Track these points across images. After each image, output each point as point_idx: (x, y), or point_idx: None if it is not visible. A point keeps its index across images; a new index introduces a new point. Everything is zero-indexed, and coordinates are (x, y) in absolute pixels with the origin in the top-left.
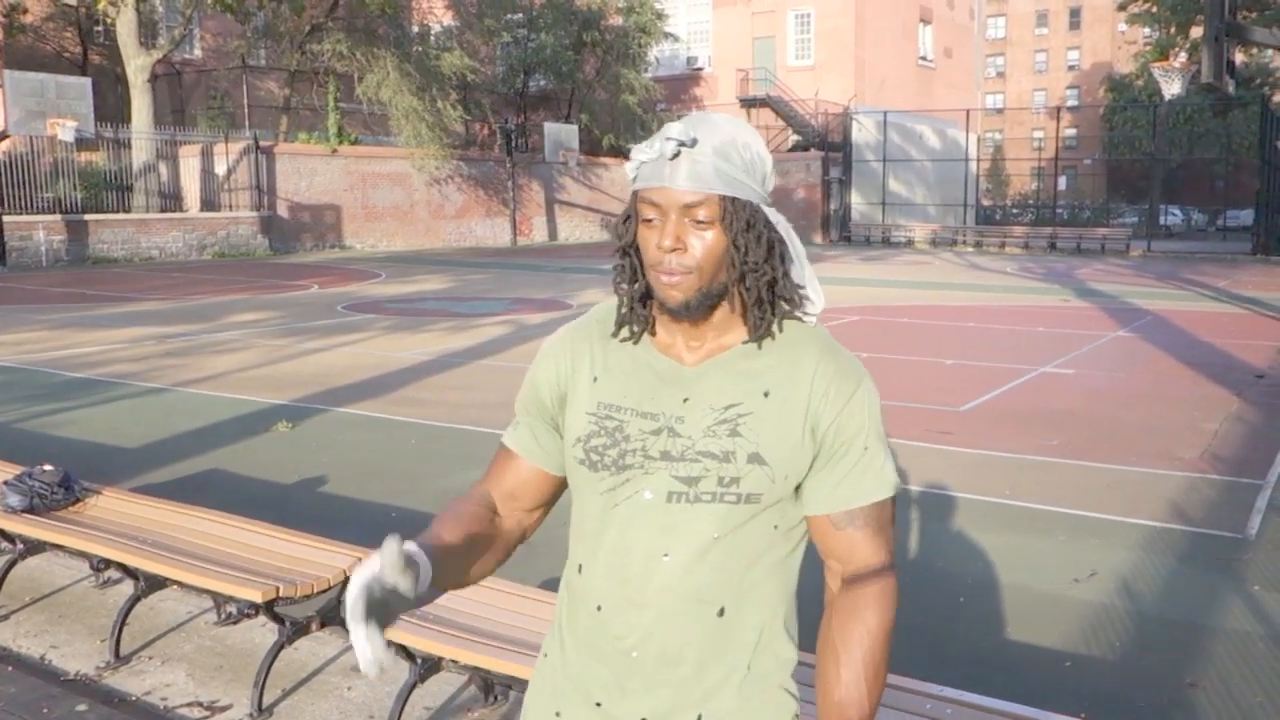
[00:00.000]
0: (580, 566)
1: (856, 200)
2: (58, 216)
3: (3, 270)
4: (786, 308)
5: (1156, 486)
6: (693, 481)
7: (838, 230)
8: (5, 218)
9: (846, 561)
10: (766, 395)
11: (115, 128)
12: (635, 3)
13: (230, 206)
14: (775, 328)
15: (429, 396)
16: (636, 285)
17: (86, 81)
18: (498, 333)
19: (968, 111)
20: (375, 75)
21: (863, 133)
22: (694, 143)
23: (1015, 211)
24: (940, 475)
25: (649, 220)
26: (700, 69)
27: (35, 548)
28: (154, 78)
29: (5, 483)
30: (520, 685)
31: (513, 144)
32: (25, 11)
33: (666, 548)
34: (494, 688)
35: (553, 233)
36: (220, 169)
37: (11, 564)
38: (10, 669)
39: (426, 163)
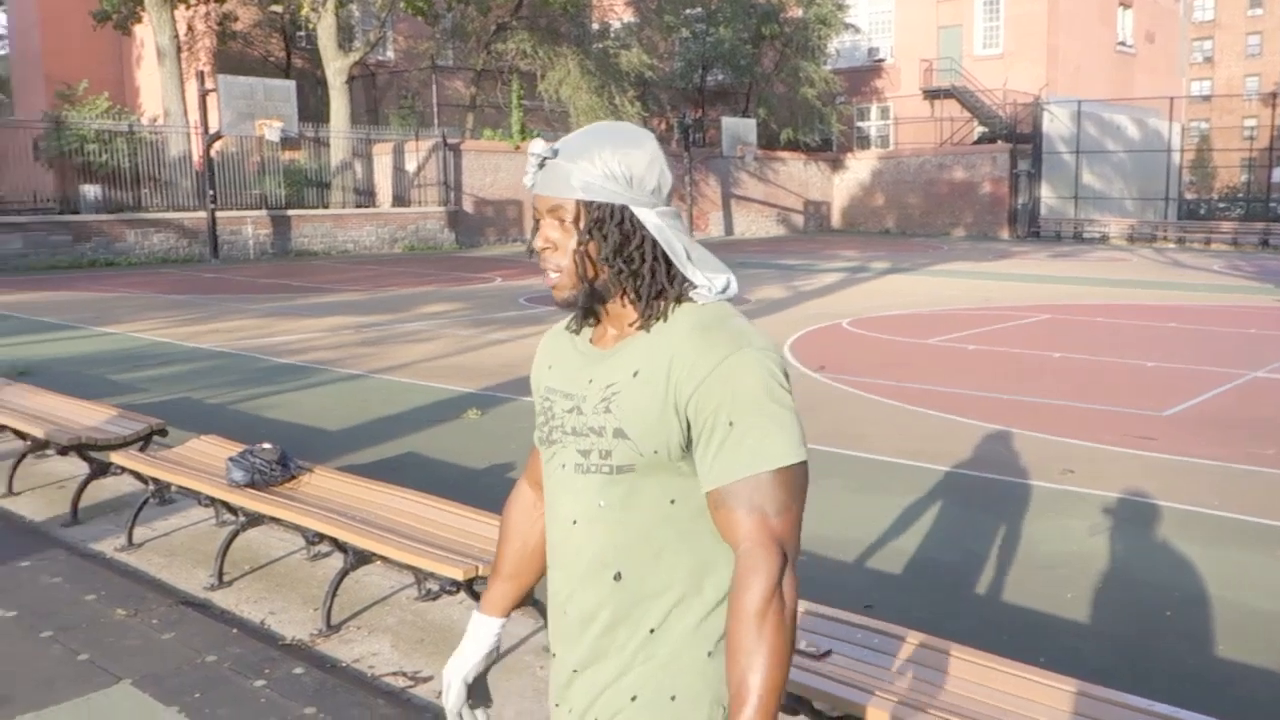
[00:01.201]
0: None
1: (1046, 194)
2: (263, 212)
3: (215, 262)
4: (668, 295)
5: None
6: (586, 454)
7: (1025, 226)
8: (218, 213)
9: (734, 543)
10: (635, 375)
11: (315, 128)
12: None
13: (419, 202)
14: (668, 312)
15: None
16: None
17: (290, 84)
18: None
19: (1171, 99)
20: (557, 73)
21: (1054, 123)
22: (554, 154)
23: (1223, 206)
24: (1141, 482)
25: (535, 223)
26: (881, 60)
27: (255, 520)
28: (351, 79)
29: (230, 459)
30: None
31: (690, 139)
32: (236, 20)
33: (574, 514)
34: None
35: (729, 227)
36: (410, 166)
37: (234, 535)
38: (235, 631)
39: None
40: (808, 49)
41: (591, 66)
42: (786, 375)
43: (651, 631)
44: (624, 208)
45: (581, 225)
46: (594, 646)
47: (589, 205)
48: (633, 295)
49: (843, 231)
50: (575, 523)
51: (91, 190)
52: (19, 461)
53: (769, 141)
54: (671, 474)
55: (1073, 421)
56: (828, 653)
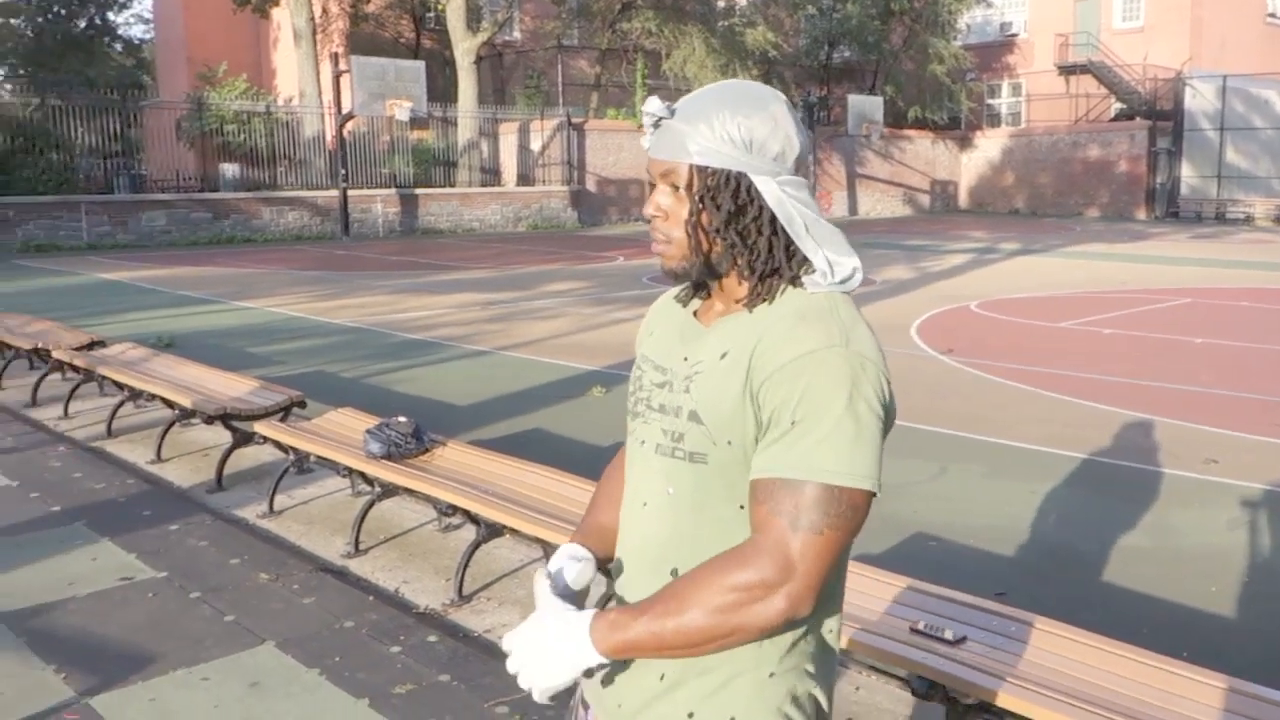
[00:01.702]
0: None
1: (1187, 173)
2: (393, 191)
3: (346, 240)
4: (783, 275)
5: None
6: (666, 433)
7: (1163, 206)
8: (349, 192)
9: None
10: (723, 357)
11: (443, 107)
12: None
13: (543, 181)
14: (776, 293)
15: None
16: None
17: (420, 65)
18: None
19: None
20: (681, 51)
21: (1197, 99)
22: (672, 114)
23: None
24: None
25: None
26: (1014, 35)
27: (390, 491)
28: (478, 59)
29: (368, 431)
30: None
31: (814, 117)
32: (368, 2)
33: (645, 496)
34: None
35: (853, 207)
36: (535, 145)
37: (370, 504)
38: (371, 598)
39: None
40: (938, 24)
41: (716, 45)
42: (887, 393)
43: None
44: (741, 175)
45: (695, 193)
46: None
47: (703, 171)
48: (745, 270)
49: (970, 212)
50: (645, 505)
51: (230, 169)
52: (167, 430)
53: (895, 120)
54: (743, 474)
55: (1216, 409)
56: (963, 639)
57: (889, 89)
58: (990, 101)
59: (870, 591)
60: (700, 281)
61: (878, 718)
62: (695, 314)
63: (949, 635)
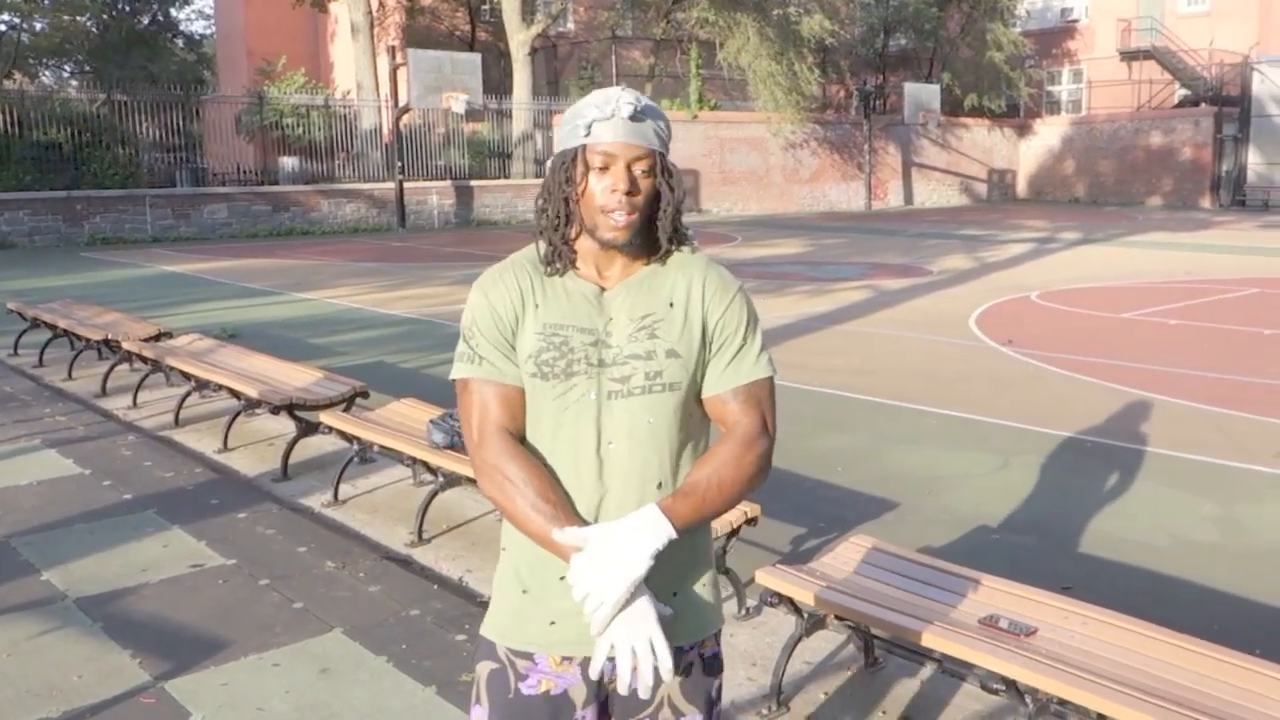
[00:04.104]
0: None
1: (1254, 160)
2: (448, 182)
3: (402, 231)
4: (679, 238)
5: None
6: (624, 379)
7: (1229, 193)
8: (405, 184)
9: (732, 427)
10: (671, 305)
11: (498, 99)
12: None
13: None
14: (673, 253)
15: (791, 359)
16: (568, 226)
17: (476, 57)
18: (857, 297)
19: None
20: (736, 40)
21: (1265, 84)
22: (644, 109)
23: None
24: None
25: (602, 169)
26: (1075, 20)
27: (453, 481)
28: (533, 51)
29: (431, 421)
30: (904, 650)
31: (870, 106)
32: None
33: (610, 436)
34: (874, 649)
35: (908, 197)
36: None
37: (434, 494)
38: (436, 587)
39: (782, 127)
40: (996, 10)
41: (771, 34)
42: None
43: (679, 532)
44: (670, 161)
45: (659, 174)
46: None
47: (664, 158)
48: (668, 236)
49: (1028, 201)
50: (611, 444)
51: (289, 162)
52: (233, 419)
53: (952, 108)
54: (694, 388)
55: None
56: (1034, 631)
57: (946, 76)
58: (1050, 88)
59: (935, 584)
60: (561, 252)
61: (947, 714)
62: (587, 281)
63: (1020, 629)
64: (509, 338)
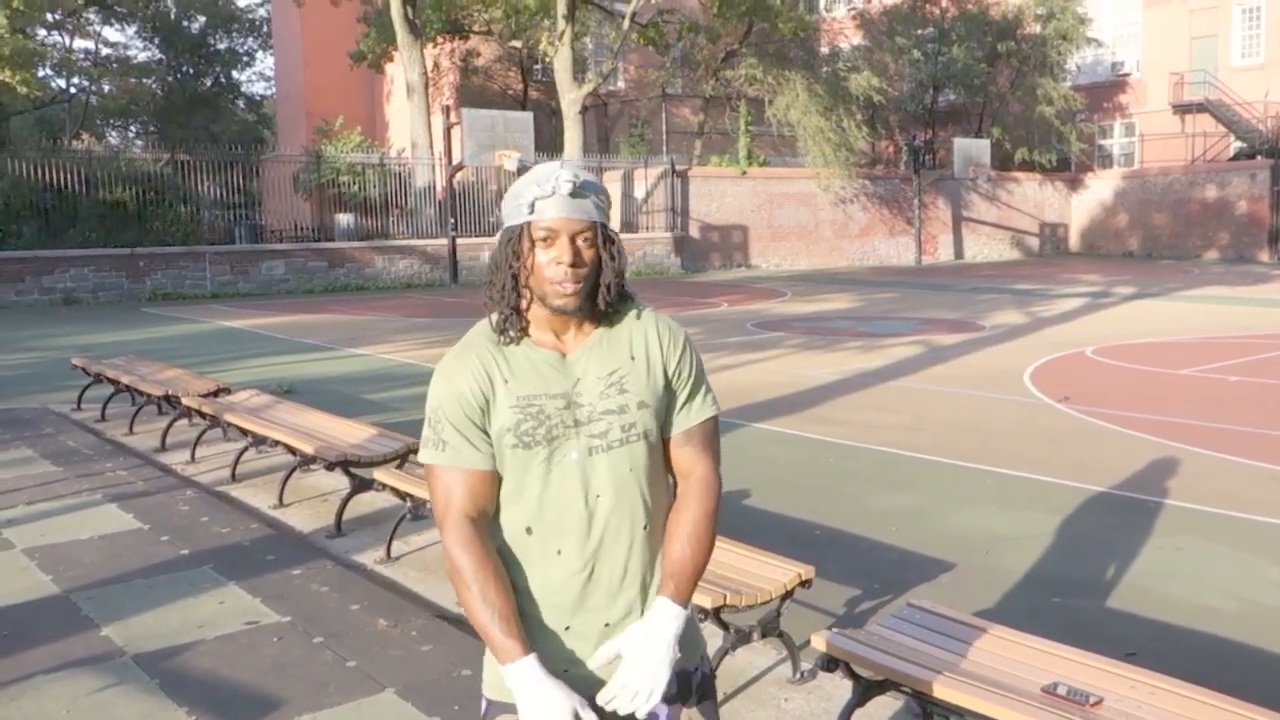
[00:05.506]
0: (529, 529)
1: None
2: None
3: (454, 287)
4: (624, 298)
5: None
6: (603, 434)
7: None
8: (458, 240)
9: (686, 473)
10: (633, 358)
11: (550, 157)
12: (1056, 8)
13: (647, 228)
14: (623, 312)
15: (842, 416)
16: (520, 298)
17: (528, 116)
18: (909, 353)
19: None
20: (785, 97)
21: None
22: (584, 184)
23: None
24: None
25: (546, 243)
26: (1126, 74)
27: None
28: (584, 110)
29: None
30: (963, 718)
31: (920, 161)
32: (478, 55)
33: (597, 490)
34: (934, 717)
35: (959, 251)
36: (639, 192)
37: None
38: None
39: (832, 182)
40: (1046, 65)
41: (820, 90)
42: None
43: (658, 565)
44: (612, 230)
45: (602, 244)
46: (628, 599)
47: (603, 227)
48: (614, 299)
49: (1081, 254)
50: (599, 497)
51: (345, 219)
52: (289, 475)
53: (1002, 162)
54: (660, 432)
55: None
56: (1099, 700)
57: (996, 131)
58: (1102, 142)
59: (995, 650)
60: (516, 325)
61: None
62: (546, 349)
63: (1084, 698)
64: (478, 420)
